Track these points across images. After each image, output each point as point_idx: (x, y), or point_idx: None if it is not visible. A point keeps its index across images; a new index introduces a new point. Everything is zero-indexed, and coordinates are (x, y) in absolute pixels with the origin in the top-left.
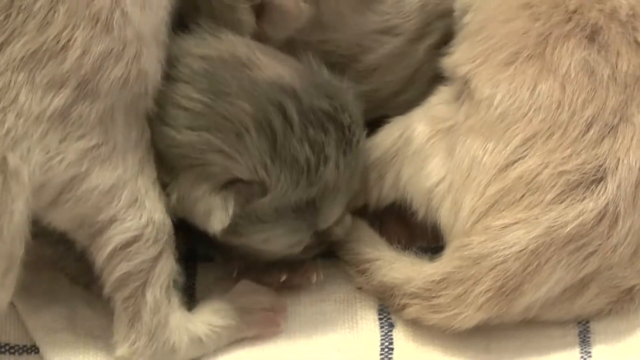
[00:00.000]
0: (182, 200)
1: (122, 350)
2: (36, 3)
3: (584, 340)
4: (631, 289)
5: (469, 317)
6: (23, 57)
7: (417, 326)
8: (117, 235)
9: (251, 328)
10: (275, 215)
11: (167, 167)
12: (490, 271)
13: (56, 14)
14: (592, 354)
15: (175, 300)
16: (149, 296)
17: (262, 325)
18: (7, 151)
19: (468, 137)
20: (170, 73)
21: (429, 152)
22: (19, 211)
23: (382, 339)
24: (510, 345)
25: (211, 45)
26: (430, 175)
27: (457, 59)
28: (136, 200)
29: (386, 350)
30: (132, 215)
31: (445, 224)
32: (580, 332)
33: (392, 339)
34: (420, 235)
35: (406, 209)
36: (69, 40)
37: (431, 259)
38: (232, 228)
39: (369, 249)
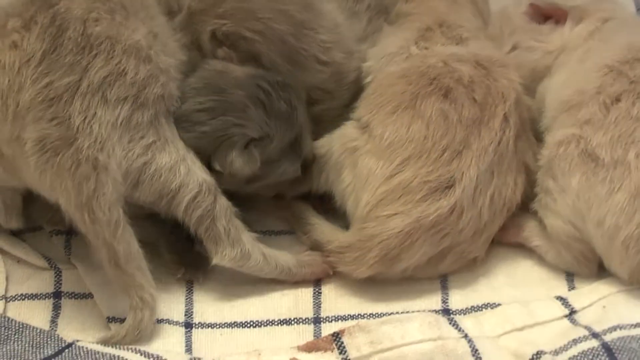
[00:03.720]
0: (225, 168)
1: (216, 260)
2: (101, 44)
3: (444, 286)
4: (474, 258)
5: (362, 271)
6: (98, 82)
7: (335, 281)
8: (185, 196)
9: (297, 277)
10: (280, 154)
11: (204, 156)
12: (378, 244)
13: (115, 50)
14: (449, 295)
15: (241, 225)
16: (219, 225)
17: (305, 278)
18: (97, 153)
19: (366, 157)
20: (184, 98)
21: (342, 164)
22: (110, 192)
23: (314, 284)
24: (396, 290)
25: (203, 69)
26: (344, 181)
27: (360, 111)
28: (189, 170)
29: (317, 294)
30: (190, 180)
31: (350, 212)
32: (441, 281)
33: (320, 284)
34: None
35: (331, 197)
36: (125, 68)
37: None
38: (258, 176)
39: (310, 219)
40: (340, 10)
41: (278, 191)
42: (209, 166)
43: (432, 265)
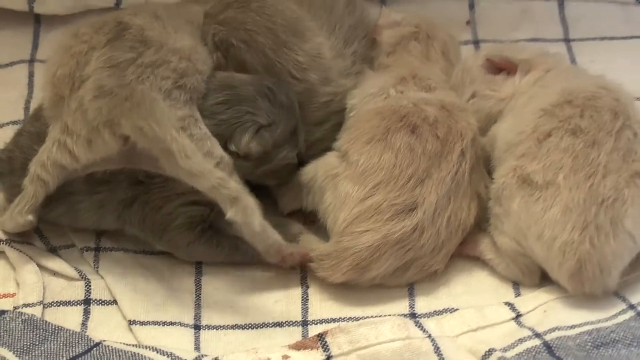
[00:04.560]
0: (241, 149)
1: (230, 214)
2: (154, 43)
3: (411, 294)
4: (435, 271)
5: (337, 277)
6: (149, 62)
7: (318, 287)
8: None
9: (277, 256)
10: (284, 140)
11: (222, 141)
12: (351, 255)
13: (163, 48)
14: (415, 301)
15: (246, 190)
16: (232, 187)
17: (284, 260)
18: (150, 89)
19: (345, 181)
20: (205, 96)
21: (325, 188)
22: (162, 108)
23: (302, 292)
24: (371, 298)
25: (215, 76)
26: (326, 201)
27: (341, 141)
28: (213, 145)
29: (305, 301)
30: (214, 152)
31: (330, 227)
32: (408, 290)
33: (307, 292)
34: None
35: (316, 214)
36: (170, 59)
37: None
38: (264, 159)
39: (296, 230)
40: (329, 47)
41: (278, 179)
42: (225, 150)
43: (398, 275)
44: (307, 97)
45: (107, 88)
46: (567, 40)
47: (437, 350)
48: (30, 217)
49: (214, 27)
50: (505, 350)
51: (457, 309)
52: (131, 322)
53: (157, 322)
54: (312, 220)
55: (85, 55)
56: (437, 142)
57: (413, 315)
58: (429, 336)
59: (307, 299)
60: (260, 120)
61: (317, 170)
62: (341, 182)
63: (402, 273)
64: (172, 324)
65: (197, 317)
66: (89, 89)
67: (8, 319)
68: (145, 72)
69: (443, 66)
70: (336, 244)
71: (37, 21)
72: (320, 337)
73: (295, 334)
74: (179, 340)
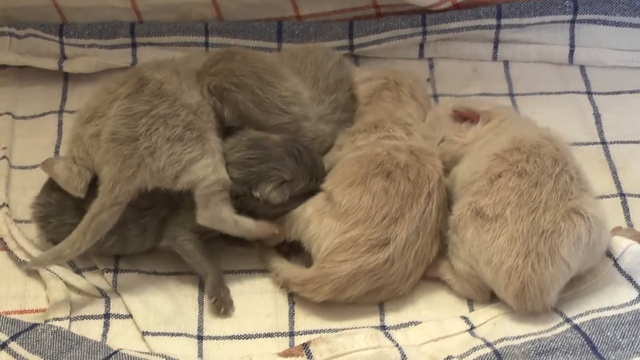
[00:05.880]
0: (263, 196)
1: (199, 218)
2: (169, 97)
3: (381, 310)
4: (403, 294)
5: (319, 298)
6: (162, 114)
7: (303, 303)
8: (205, 183)
9: (255, 235)
10: (302, 195)
11: (248, 187)
12: (331, 281)
13: (176, 103)
14: (385, 315)
15: (227, 203)
16: (213, 199)
17: (263, 234)
18: (147, 155)
19: (329, 217)
20: (238, 148)
21: (310, 220)
22: (135, 184)
23: (289, 307)
24: (347, 313)
25: (249, 134)
26: (311, 232)
27: (326, 183)
28: (216, 169)
29: (291, 315)
30: (214, 175)
31: (314, 254)
32: (379, 306)
33: (294, 308)
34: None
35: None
36: (180, 112)
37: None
38: (281, 205)
39: (278, 262)
40: (310, 95)
41: (278, 216)
42: (250, 193)
43: (371, 297)
44: (296, 131)
45: (119, 137)
46: (511, 95)
47: (403, 357)
48: (80, 192)
49: (208, 78)
50: (461, 357)
51: (420, 322)
52: (144, 333)
53: (166, 333)
54: (287, 252)
55: (109, 104)
56: (409, 184)
57: (383, 327)
58: (397, 345)
59: (294, 314)
60: (284, 176)
61: (306, 209)
62: (326, 217)
63: (374, 295)
64: (178, 335)
65: (200, 329)
66: (106, 130)
67: (39, 330)
68: (157, 123)
69: (414, 106)
70: (318, 270)
71: (65, 78)
72: (305, 346)
73: (283, 343)
74: (185, 349)
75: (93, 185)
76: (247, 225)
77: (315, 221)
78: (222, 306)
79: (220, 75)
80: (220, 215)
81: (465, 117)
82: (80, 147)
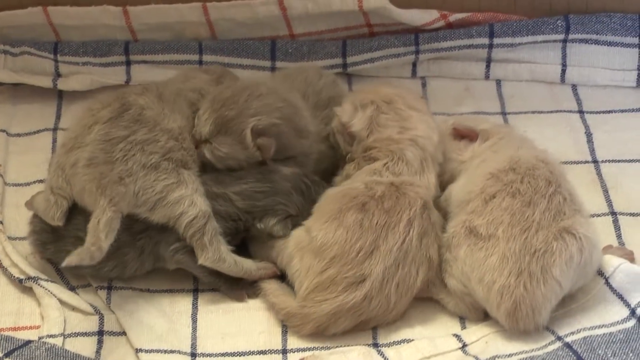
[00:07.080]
0: (266, 229)
1: (200, 261)
2: (148, 123)
3: (374, 328)
4: (388, 322)
5: (306, 331)
6: (140, 140)
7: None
8: (186, 219)
9: (255, 276)
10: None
11: (258, 219)
12: (312, 320)
13: (156, 128)
14: (378, 333)
15: (222, 241)
16: (206, 239)
17: (264, 276)
18: (125, 176)
19: (308, 254)
20: (246, 180)
21: (293, 255)
22: (116, 201)
23: (282, 325)
24: (337, 337)
25: (259, 167)
26: (294, 267)
27: (308, 219)
28: (193, 202)
29: (284, 333)
30: (191, 209)
31: (296, 290)
32: (372, 330)
33: (287, 327)
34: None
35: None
36: (159, 138)
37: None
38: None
39: (266, 283)
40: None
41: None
42: (252, 223)
43: (361, 328)
44: (308, 149)
45: (96, 162)
46: (504, 113)
47: None
48: (57, 221)
49: (250, 121)
50: None
51: (412, 340)
52: (137, 350)
53: (160, 350)
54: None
55: (88, 129)
56: (383, 214)
57: (376, 345)
58: None
59: (287, 331)
60: (290, 211)
61: (289, 241)
62: (306, 254)
63: (364, 327)
64: (172, 352)
65: (194, 346)
66: (83, 157)
67: (33, 347)
68: (134, 149)
69: (415, 115)
70: (301, 308)
71: (60, 96)
72: None
73: None
74: None
75: (86, 213)
76: (246, 265)
77: (297, 257)
78: (255, 292)
79: (264, 113)
80: (220, 255)
81: (464, 135)
82: (61, 176)
